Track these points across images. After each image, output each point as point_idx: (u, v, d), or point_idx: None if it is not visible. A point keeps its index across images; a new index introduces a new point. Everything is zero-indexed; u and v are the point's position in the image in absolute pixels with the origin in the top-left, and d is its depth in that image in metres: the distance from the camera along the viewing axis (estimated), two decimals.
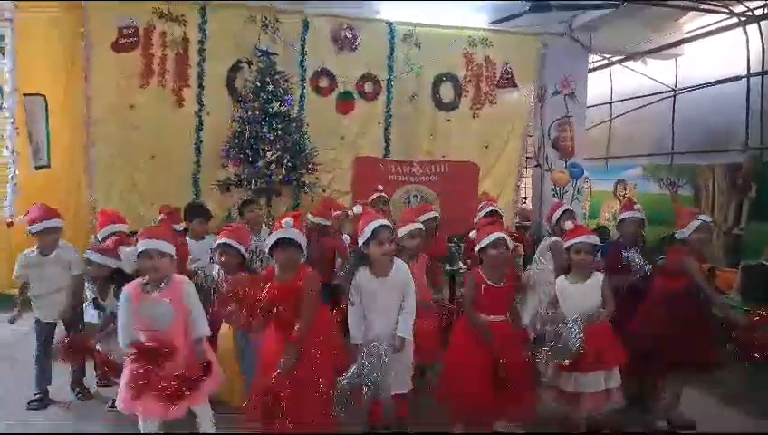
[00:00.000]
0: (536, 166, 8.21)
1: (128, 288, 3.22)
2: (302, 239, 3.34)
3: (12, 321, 4.07)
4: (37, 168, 6.32)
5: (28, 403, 4.10)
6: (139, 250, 3.20)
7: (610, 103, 9.89)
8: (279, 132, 6.52)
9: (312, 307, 3.28)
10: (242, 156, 6.49)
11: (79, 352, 3.92)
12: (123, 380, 3.17)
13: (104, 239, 4.33)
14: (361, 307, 3.48)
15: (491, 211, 5.10)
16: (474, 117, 7.82)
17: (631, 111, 9.21)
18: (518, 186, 8.02)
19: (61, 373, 4.25)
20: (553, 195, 7.89)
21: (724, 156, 7.41)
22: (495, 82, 7.84)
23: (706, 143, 7.85)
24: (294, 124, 6.76)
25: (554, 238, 4.76)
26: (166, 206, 5.21)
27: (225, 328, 3.90)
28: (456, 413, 3.62)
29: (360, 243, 3.46)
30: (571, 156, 7.91)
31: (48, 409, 4.10)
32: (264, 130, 6.48)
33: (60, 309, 4.11)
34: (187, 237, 4.85)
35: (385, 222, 3.48)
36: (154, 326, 3.14)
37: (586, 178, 8.57)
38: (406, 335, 3.43)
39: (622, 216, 4.38)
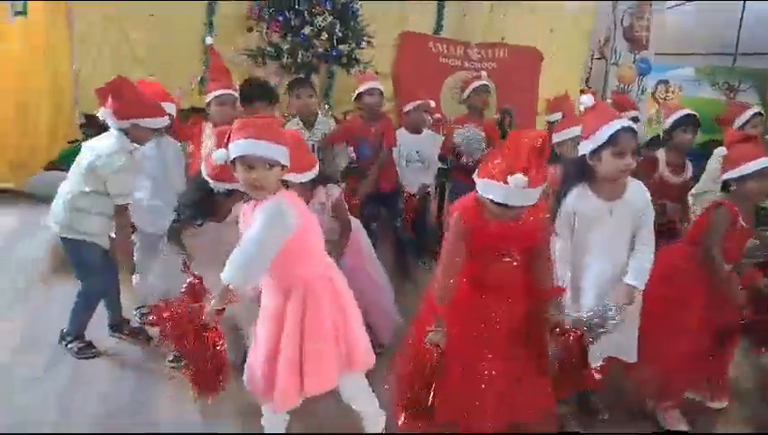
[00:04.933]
0: (599, 59, 7.10)
1: None
2: None
3: None
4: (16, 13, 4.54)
5: (76, 350, 2.94)
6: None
7: None
8: None
9: None
10: (281, 18, 4.95)
11: None
12: None
13: None
14: (571, 243, 2.49)
15: None
16: None
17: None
18: (584, 81, 6.90)
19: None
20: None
21: None
22: None
23: None
24: None
25: None
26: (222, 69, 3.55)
27: None
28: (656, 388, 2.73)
29: (588, 150, 2.39)
30: (643, 49, 6.85)
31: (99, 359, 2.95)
32: None
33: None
34: None
35: (629, 123, 2.38)
36: None
37: None
38: (639, 285, 2.46)
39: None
